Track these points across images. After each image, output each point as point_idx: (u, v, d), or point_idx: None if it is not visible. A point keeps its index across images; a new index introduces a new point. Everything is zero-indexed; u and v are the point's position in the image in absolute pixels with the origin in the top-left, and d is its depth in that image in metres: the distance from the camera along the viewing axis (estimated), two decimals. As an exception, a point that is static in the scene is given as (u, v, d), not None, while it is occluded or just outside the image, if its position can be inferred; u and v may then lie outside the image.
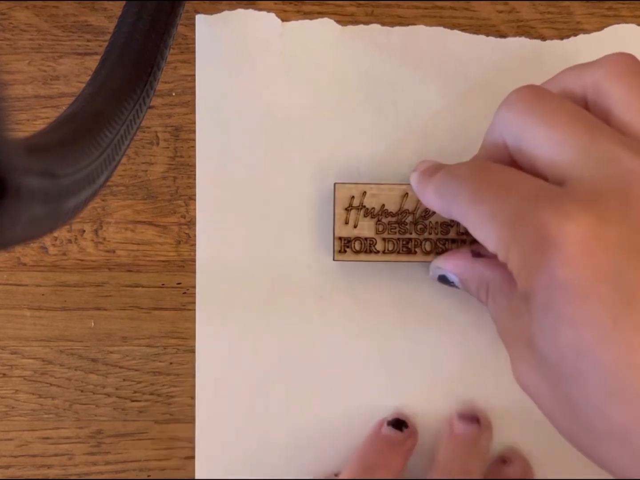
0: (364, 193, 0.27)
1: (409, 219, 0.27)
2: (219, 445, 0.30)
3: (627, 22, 0.30)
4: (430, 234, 0.27)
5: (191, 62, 0.30)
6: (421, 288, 0.30)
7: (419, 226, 0.27)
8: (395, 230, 0.27)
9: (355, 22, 0.30)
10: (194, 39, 0.30)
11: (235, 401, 0.30)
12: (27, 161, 0.15)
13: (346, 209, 0.27)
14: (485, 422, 0.29)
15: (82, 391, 0.31)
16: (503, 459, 0.29)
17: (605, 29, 0.30)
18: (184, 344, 0.31)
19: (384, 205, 0.27)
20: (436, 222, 0.27)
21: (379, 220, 0.27)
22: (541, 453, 0.30)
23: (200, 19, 0.30)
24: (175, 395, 0.31)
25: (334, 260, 0.27)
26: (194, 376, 0.30)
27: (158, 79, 0.24)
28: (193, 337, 0.30)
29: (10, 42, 0.30)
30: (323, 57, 0.30)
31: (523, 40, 0.30)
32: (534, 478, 0.30)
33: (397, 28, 0.30)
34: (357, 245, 0.27)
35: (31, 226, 0.16)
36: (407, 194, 0.27)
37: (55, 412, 0.31)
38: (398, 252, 0.27)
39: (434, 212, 0.27)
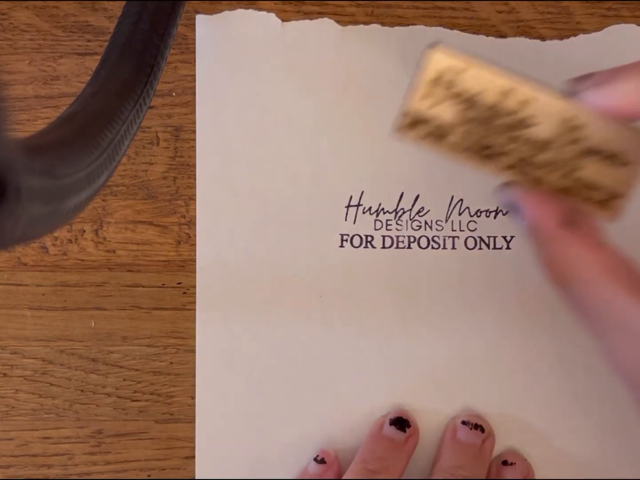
0: (461, 71, 0.21)
1: (503, 121, 0.21)
2: (219, 445, 0.30)
3: (627, 22, 0.30)
4: (518, 147, 0.21)
5: (191, 62, 0.30)
6: (422, 288, 0.30)
7: (510, 134, 0.21)
8: (479, 128, 0.21)
9: (355, 23, 0.30)
10: (194, 39, 0.30)
11: (235, 401, 0.30)
12: (28, 161, 0.15)
13: (432, 82, 0.21)
14: (489, 428, 0.29)
15: (82, 391, 0.31)
16: (504, 461, 0.29)
17: (605, 29, 0.30)
18: (184, 344, 0.31)
19: (478, 94, 0.21)
20: (529, 138, 0.21)
21: (465, 109, 0.21)
22: (541, 454, 0.30)
23: (200, 19, 0.30)
24: (175, 395, 0.31)
25: (393, 133, 0.22)
26: (194, 376, 0.30)
27: (158, 79, 0.25)
28: (193, 337, 0.30)
29: (10, 42, 0.30)
30: (323, 57, 0.30)
31: (523, 41, 0.30)
32: (536, 479, 0.30)
33: (397, 28, 0.30)
34: (426, 128, 0.21)
35: (31, 226, 0.16)
36: (512, 90, 0.21)
37: (56, 411, 0.31)
38: (471, 154, 0.22)
39: (533, 125, 0.21)
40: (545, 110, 0.21)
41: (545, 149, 0.21)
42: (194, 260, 0.30)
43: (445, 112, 0.21)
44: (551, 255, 0.21)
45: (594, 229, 0.20)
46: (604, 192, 0.22)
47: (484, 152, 0.22)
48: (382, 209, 0.30)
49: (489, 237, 0.30)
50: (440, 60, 0.21)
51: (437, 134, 0.21)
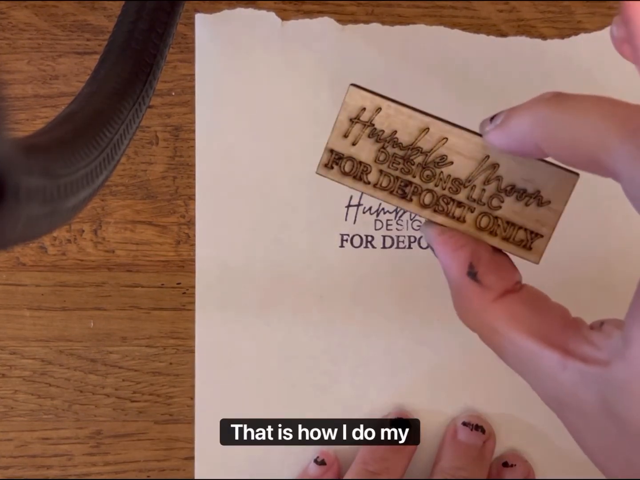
0: (379, 109, 0.22)
1: (419, 159, 0.22)
2: (219, 445, 0.30)
3: (627, 22, 0.30)
4: (436, 185, 0.22)
5: (191, 61, 0.30)
6: (422, 288, 0.30)
7: (427, 172, 0.22)
8: (397, 166, 0.22)
9: (356, 21, 0.30)
10: (193, 39, 0.30)
11: (235, 401, 0.30)
12: (26, 161, 0.15)
13: (351, 120, 0.22)
14: (489, 429, 0.29)
15: (81, 391, 0.31)
16: (505, 462, 0.29)
17: (606, 28, 0.30)
18: (183, 344, 0.30)
19: (395, 132, 0.22)
20: (448, 176, 0.22)
21: (383, 147, 0.22)
22: (541, 455, 0.30)
23: (200, 19, 0.30)
24: (175, 396, 0.31)
25: (316, 173, 0.22)
26: (193, 376, 0.30)
27: (157, 79, 0.24)
28: (193, 337, 0.30)
29: (9, 42, 0.30)
30: (323, 57, 0.30)
31: (524, 40, 0.30)
32: None
33: (397, 27, 0.30)
34: (347, 166, 0.22)
35: (30, 226, 0.16)
36: (428, 129, 0.22)
37: (55, 412, 0.31)
38: (390, 192, 0.22)
39: (450, 163, 0.22)
40: (462, 149, 0.22)
41: (464, 187, 0.22)
42: (194, 261, 0.30)
43: (364, 150, 0.22)
44: (457, 300, 0.21)
45: (499, 280, 0.21)
46: (524, 232, 0.22)
47: (404, 190, 0.22)
48: (383, 209, 0.30)
49: (489, 237, 0.30)
50: (358, 99, 0.22)
51: (357, 172, 0.22)
